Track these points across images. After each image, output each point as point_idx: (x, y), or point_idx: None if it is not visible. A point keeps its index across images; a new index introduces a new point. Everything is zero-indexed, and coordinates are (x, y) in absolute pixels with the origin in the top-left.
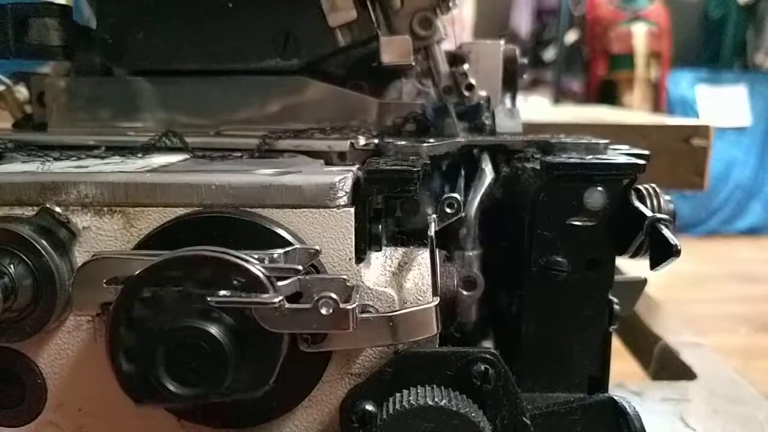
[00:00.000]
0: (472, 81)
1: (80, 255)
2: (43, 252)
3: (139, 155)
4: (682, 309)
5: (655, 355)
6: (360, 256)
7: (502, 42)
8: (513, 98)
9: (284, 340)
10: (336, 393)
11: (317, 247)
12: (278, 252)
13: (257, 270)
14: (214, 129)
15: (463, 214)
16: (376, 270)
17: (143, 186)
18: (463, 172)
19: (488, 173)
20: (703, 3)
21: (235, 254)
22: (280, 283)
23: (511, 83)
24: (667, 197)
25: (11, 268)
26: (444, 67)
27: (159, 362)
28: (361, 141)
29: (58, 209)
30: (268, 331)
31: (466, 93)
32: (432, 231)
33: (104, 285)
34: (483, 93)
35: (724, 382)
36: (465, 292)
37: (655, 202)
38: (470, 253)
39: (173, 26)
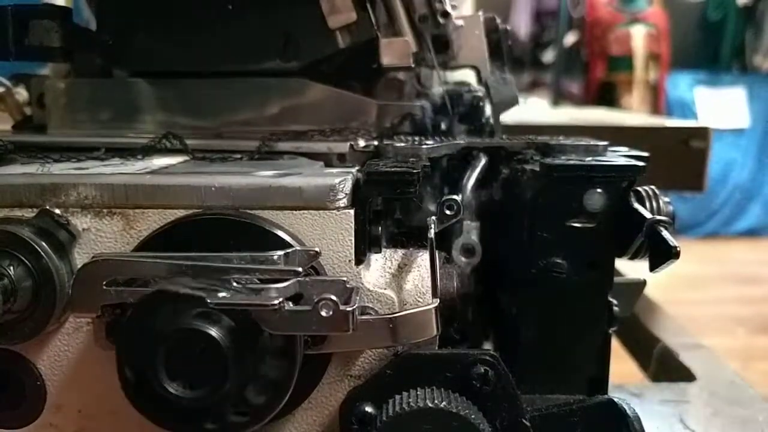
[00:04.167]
0: (448, 8)
1: (80, 257)
2: (42, 254)
3: (139, 157)
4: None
5: (655, 356)
6: (360, 258)
7: (480, 13)
8: (502, 66)
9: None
10: (336, 395)
11: (317, 249)
12: (278, 254)
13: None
14: (214, 131)
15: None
16: (376, 272)
17: (143, 188)
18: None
19: (482, 156)
20: (702, 5)
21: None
22: (279, 285)
23: (497, 52)
24: (666, 199)
25: (11, 270)
26: None
27: (160, 366)
28: (361, 143)
29: (57, 211)
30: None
31: (442, 20)
32: (432, 233)
33: (104, 287)
34: (460, 23)
35: (723, 383)
36: (464, 259)
37: (654, 204)
38: (469, 222)
39: (173, 28)
